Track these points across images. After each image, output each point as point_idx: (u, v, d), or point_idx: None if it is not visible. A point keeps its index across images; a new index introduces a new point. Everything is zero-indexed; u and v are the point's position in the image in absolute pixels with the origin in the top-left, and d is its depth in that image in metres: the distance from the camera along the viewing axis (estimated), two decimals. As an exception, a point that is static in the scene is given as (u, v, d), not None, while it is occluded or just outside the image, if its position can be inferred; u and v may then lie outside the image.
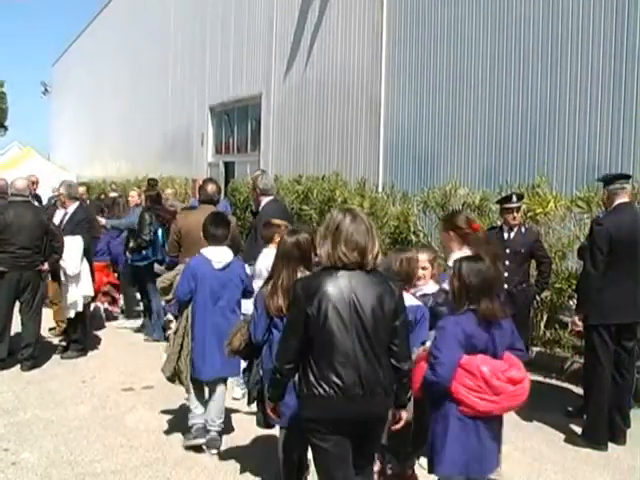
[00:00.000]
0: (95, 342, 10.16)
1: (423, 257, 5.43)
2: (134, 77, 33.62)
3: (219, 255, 6.18)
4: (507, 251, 7.81)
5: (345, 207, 4.43)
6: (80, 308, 9.24)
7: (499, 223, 8.38)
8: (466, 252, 5.05)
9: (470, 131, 13.20)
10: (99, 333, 10.71)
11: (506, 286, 7.76)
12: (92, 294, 9.46)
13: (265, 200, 8.06)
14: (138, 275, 10.60)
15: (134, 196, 11.97)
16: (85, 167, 39.57)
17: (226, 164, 24.34)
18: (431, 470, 4.37)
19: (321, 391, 3.86)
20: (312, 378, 3.89)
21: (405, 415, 4.21)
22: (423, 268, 5.41)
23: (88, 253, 9.40)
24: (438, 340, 4.23)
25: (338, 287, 3.87)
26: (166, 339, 9.26)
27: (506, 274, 7.80)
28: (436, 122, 14.09)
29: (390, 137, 15.40)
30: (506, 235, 7.91)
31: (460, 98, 13.44)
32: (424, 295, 5.28)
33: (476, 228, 5.54)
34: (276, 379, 4.12)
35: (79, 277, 9.14)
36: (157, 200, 10.89)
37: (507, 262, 7.81)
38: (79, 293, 9.18)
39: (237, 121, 24.05)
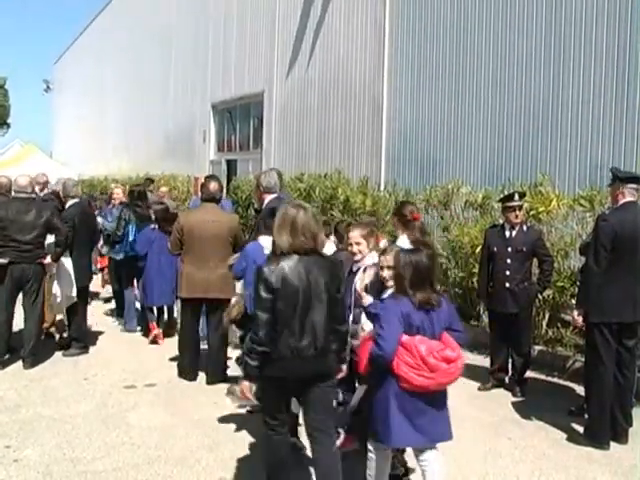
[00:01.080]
0: (97, 340, 10.17)
1: (354, 234, 5.88)
2: (136, 75, 33.63)
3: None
4: (509, 249, 7.84)
5: (296, 202, 5.07)
6: (62, 310, 9.33)
7: (501, 221, 8.38)
8: (404, 237, 6.41)
9: (473, 129, 13.20)
10: (101, 330, 10.72)
11: (508, 284, 7.82)
12: (74, 294, 9.33)
13: (268, 198, 8.06)
14: (116, 268, 11.18)
15: (119, 194, 11.94)
16: (87, 164, 39.56)
17: (228, 162, 24.35)
18: (380, 442, 4.79)
19: (282, 353, 4.61)
20: (276, 343, 4.61)
21: (344, 368, 4.99)
22: (356, 244, 5.84)
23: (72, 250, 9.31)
24: (381, 318, 4.64)
25: (297, 268, 4.64)
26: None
27: (508, 272, 7.84)
28: (439, 120, 14.09)
29: (392, 135, 15.40)
30: (508, 234, 7.93)
31: (463, 96, 13.45)
32: (365, 268, 5.76)
33: (416, 217, 6.74)
34: (256, 350, 4.61)
35: (59, 276, 9.13)
36: (139, 197, 11.05)
37: (509, 260, 7.84)
38: (59, 292, 9.20)
39: (239, 119, 24.05)
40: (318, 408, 4.82)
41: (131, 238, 10.63)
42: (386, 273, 5.16)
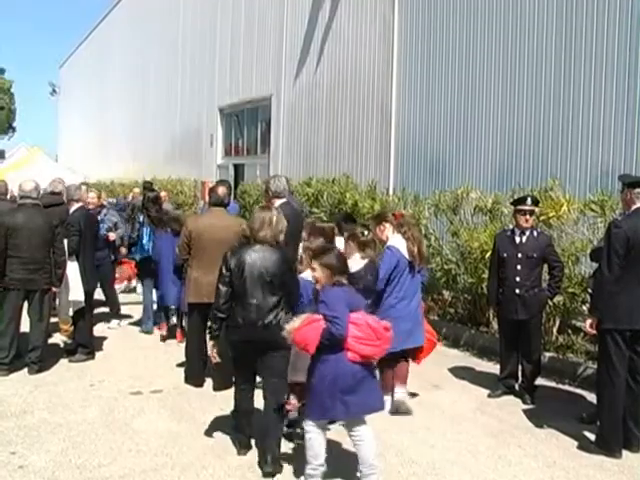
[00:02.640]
0: (103, 345, 10.18)
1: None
2: (143, 78, 33.75)
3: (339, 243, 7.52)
4: (519, 255, 7.82)
5: (270, 206, 6.67)
6: (70, 312, 9.30)
7: (511, 226, 8.37)
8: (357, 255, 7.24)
9: (482, 133, 13.21)
10: (107, 336, 10.73)
11: (518, 291, 7.79)
12: (81, 299, 9.33)
13: (277, 203, 8.10)
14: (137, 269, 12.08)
15: (94, 198, 11.85)
16: (93, 168, 39.70)
17: (235, 166, 24.42)
18: (321, 416, 5.40)
19: (238, 322, 5.88)
20: (234, 314, 5.90)
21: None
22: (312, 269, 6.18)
23: (78, 256, 9.29)
24: (332, 304, 5.30)
25: (253, 255, 5.88)
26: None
27: (518, 278, 7.82)
28: (448, 124, 14.11)
29: (401, 139, 15.43)
30: (518, 239, 7.90)
31: (472, 100, 13.47)
32: None
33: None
34: (217, 316, 5.96)
35: (66, 281, 9.12)
36: (153, 201, 11.27)
37: (519, 266, 7.82)
38: (66, 298, 9.21)
39: (247, 123, 24.13)
40: (270, 372, 5.93)
41: (145, 240, 11.08)
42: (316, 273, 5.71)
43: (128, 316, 12.19)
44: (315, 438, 5.39)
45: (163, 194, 16.47)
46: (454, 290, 11.23)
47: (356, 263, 7.06)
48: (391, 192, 14.42)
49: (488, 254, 9.14)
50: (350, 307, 5.34)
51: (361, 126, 16.90)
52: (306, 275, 6.29)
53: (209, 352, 6.19)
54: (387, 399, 7.59)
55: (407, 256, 7.45)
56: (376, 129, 16.29)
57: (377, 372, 5.64)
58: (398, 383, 7.58)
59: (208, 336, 6.26)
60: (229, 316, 5.94)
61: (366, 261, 7.21)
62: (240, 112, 24.50)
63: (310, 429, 5.40)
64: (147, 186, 16.97)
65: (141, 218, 11.31)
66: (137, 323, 11.73)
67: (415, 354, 7.74)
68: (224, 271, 5.91)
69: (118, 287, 13.30)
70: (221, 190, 8.50)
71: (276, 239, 6.01)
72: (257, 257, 5.86)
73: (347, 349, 5.24)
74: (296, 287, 6.13)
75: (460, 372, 9.14)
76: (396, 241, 7.52)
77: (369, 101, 16.56)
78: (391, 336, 5.41)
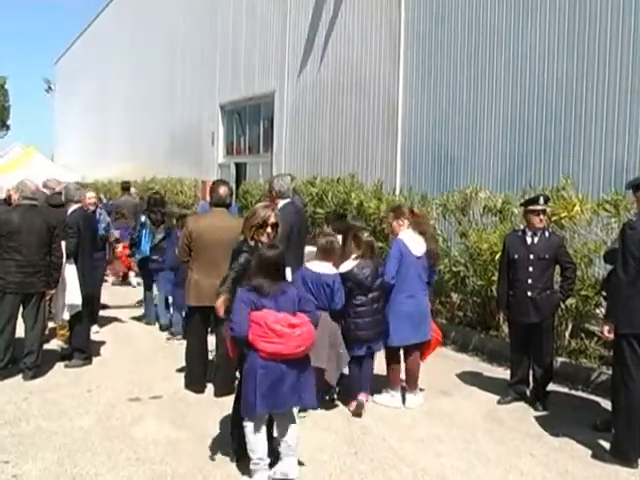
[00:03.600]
0: (101, 350, 10.16)
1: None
2: (141, 75, 33.78)
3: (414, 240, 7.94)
4: (531, 256, 7.77)
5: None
6: (66, 316, 9.25)
7: (522, 227, 8.33)
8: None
9: (491, 131, 13.18)
10: (105, 340, 10.71)
11: (530, 293, 7.75)
12: (79, 302, 9.31)
13: (281, 203, 8.08)
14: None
15: (92, 198, 12.02)
16: (91, 168, 39.77)
17: (237, 165, 24.41)
18: (250, 409, 5.68)
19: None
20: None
21: None
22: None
23: (77, 259, 9.27)
24: (233, 306, 5.77)
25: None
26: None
27: (530, 280, 7.78)
28: (456, 122, 14.07)
29: (408, 138, 15.40)
30: (529, 240, 7.86)
31: (481, 97, 13.43)
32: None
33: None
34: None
35: (63, 284, 9.10)
36: (155, 203, 12.06)
37: (531, 268, 7.77)
38: (62, 301, 9.17)
39: (249, 120, 24.11)
40: None
41: (143, 242, 11.78)
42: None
43: (118, 320, 12.30)
44: (250, 432, 5.75)
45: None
46: (463, 293, 11.19)
47: (349, 263, 7.58)
48: (397, 192, 14.38)
49: (498, 256, 9.11)
50: (253, 306, 5.67)
51: (367, 123, 16.87)
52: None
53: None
54: (395, 395, 7.98)
55: (414, 252, 7.81)
56: (382, 127, 16.26)
57: (309, 369, 5.90)
58: (409, 382, 8.02)
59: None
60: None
61: (358, 261, 7.58)
62: (242, 109, 24.49)
63: (245, 424, 5.78)
64: (125, 186, 17.71)
65: (142, 219, 11.89)
66: (138, 319, 12.49)
67: (422, 350, 8.09)
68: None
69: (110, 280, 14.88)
70: (223, 190, 8.47)
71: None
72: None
73: (256, 347, 5.62)
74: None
75: (469, 378, 9.09)
76: (405, 235, 7.89)
77: (375, 98, 16.53)
78: (301, 332, 5.66)
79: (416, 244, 7.87)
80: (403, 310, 7.74)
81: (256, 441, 5.73)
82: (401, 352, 8.00)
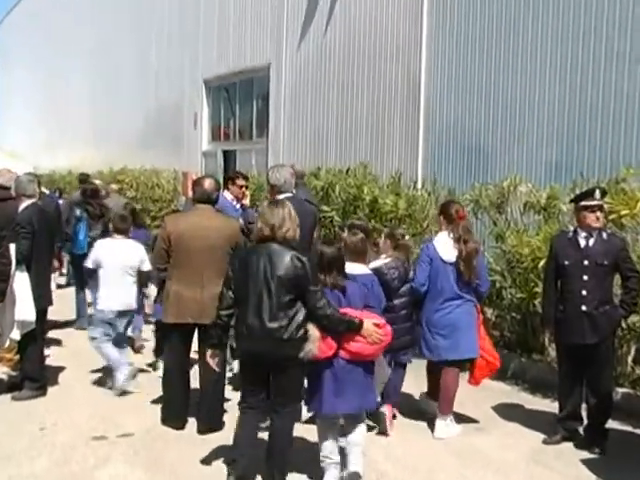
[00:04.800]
0: (58, 377, 10.08)
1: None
2: (108, 43, 33.77)
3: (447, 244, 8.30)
4: (585, 263, 7.69)
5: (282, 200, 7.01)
6: (16, 336, 9.10)
7: (571, 227, 8.27)
8: (444, 233, 8.30)
9: (535, 113, 13.14)
10: (62, 365, 10.62)
11: (585, 308, 7.67)
12: (32, 319, 9.15)
13: (280, 198, 8.05)
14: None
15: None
16: (44, 155, 39.82)
17: (225, 153, 24.41)
18: (316, 410, 6.66)
19: (241, 331, 6.44)
20: (236, 322, 6.54)
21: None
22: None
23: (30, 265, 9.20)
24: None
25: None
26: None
27: (584, 292, 7.71)
28: (491, 102, 14.04)
29: (432, 121, 15.40)
30: (583, 242, 7.78)
31: (522, 72, 13.39)
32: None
33: (462, 217, 8.36)
34: (217, 324, 6.57)
35: (12, 296, 8.96)
36: (91, 195, 13.20)
37: (585, 277, 7.69)
38: (11, 318, 9.05)
39: (239, 99, 24.15)
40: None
41: (81, 237, 12.76)
42: None
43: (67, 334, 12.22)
44: (321, 432, 6.73)
45: (114, 187, 17.85)
46: (499, 308, 11.13)
47: (378, 261, 8.15)
48: (419, 185, 14.37)
49: (542, 262, 9.09)
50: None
51: (382, 103, 16.85)
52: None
53: (207, 359, 6.78)
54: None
55: (445, 257, 8.17)
56: (401, 107, 16.25)
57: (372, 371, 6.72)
58: (441, 403, 8.21)
59: (207, 344, 6.89)
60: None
61: (388, 260, 8.14)
62: (231, 85, 24.52)
63: (318, 421, 6.82)
64: (83, 178, 18.22)
65: (78, 212, 12.93)
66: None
67: (472, 371, 8.38)
68: (229, 272, 6.59)
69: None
70: (208, 183, 8.44)
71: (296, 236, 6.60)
72: (266, 258, 6.38)
73: (340, 345, 6.44)
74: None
75: (508, 411, 9.06)
76: (439, 238, 8.37)
77: (392, 72, 16.51)
78: (385, 332, 6.53)
79: (449, 248, 8.12)
80: (431, 319, 8.19)
81: (325, 439, 6.64)
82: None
